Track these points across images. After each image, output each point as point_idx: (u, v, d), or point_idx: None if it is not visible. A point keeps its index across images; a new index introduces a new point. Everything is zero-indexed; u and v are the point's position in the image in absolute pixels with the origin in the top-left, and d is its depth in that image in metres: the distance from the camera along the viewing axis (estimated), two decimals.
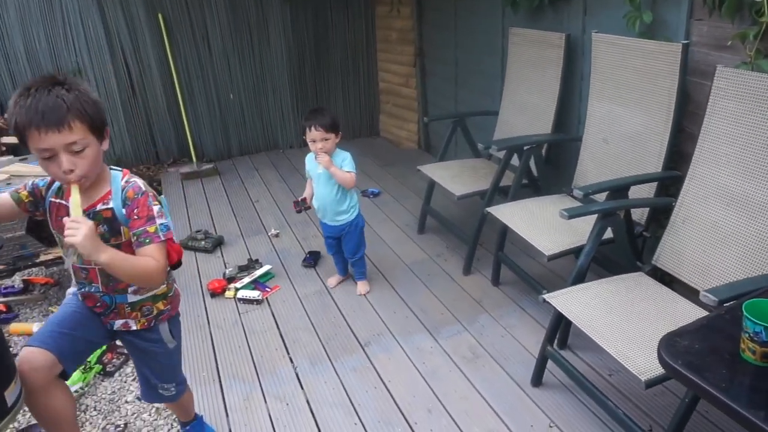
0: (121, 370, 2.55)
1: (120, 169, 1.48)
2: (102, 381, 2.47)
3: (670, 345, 1.20)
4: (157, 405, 2.33)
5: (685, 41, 2.09)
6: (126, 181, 1.45)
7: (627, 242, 2.15)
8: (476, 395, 2.11)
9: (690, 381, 1.13)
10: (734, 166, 1.85)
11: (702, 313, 1.74)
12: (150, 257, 1.38)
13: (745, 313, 1.12)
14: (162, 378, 1.72)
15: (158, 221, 1.41)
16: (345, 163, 2.54)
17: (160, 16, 4.23)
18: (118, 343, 2.64)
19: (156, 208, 1.42)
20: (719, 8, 1.98)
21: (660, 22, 2.27)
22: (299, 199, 2.72)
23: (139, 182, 1.45)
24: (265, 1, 4.52)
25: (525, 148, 2.66)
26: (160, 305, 1.61)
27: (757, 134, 1.78)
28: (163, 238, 1.40)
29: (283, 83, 4.81)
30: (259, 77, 4.74)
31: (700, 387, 1.10)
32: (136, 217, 1.40)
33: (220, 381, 2.28)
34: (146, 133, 4.67)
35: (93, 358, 2.47)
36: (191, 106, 4.61)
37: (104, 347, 2.54)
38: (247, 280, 2.92)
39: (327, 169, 2.51)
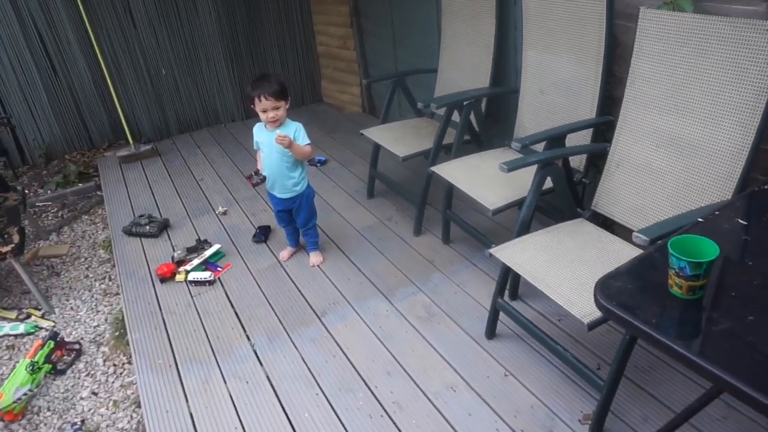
0: (73, 366, 2.48)
1: None
2: (54, 380, 2.40)
3: (605, 287, 1.24)
4: (114, 397, 2.28)
5: None
6: None
7: (567, 190, 2.19)
8: (433, 353, 2.16)
9: (623, 320, 1.17)
10: (661, 106, 1.90)
11: (638, 253, 1.80)
12: None
13: (670, 249, 1.15)
14: None
15: None
16: (299, 135, 2.47)
17: None
18: (67, 339, 2.59)
19: None
20: None
21: None
22: (252, 173, 2.64)
23: None
24: None
25: (464, 103, 2.65)
26: None
27: (680, 73, 1.82)
28: None
29: (216, 52, 4.61)
30: (191, 46, 4.52)
31: (633, 325, 1.15)
32: None
33: (177, 367, 2.25)
34: (75, 116, 4.42)
35: (41, 357, 2.38)
36: (120, 83, 4.37)
37: (52, 345, 2.46)
38: (197, 261, 2.85)
39: (288, 149, 2.42)
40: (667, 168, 1.89)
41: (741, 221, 1.40)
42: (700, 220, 1.41)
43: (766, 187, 1.50)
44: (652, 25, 1.89)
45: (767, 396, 0.91)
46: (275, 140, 2.39)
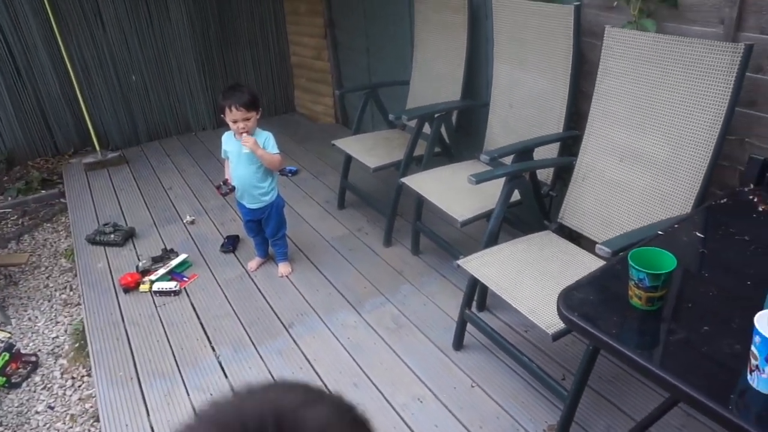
0: (29, 379, 2.39)
1: None
2: (7, 394, 2.31)
3: (568, 298, 1.25)
4: (71, 411, 2.21)
5: (577, 3, 2.15)
6: None
7: (534, 202, 2.22)
8: (401, 364, 2.15)
9: (584, 330, 1.18)
10: (625, 122, 1.94)
11: (602, 264, 1.84)
12: None
13: (630, 261, 1.18)
14: None
15: None
16: (269, 144, 2.45)
17: None
18: (23, 351, 2.50)
19: None
20: None
21: None
22: (221, 182, 2.61)
23: None
24: None
25: (435, 116, 2.67)
26: None
27: (643, 90, 1.88)
28: None
29: (188, 59, 4.55)
30: (162, 53, 4.46)
31: (594, 335, 1.16)
32: None
33: (138, 380, 2.19)
34: (40, 121, 4.31)
35: None
36: (88, 88, 4.28)
37: (6, 357, 2.36)
38: (162, 271, 2.79)
39: (254, 153, 2.40)
40: (631, 182, 1.93)
41: (698, 234, 1.44)
42: (660, 232, 1.44)
43: (722, 201, 1.54)
44: (616, 43, 1.95)
45: (720, 405, 0.93)
46: (234, 135, 2.37)
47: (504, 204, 2.07)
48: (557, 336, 1.61)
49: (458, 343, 2.18)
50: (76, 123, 4.38)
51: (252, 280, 2.75)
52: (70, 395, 2.29)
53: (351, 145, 3.07)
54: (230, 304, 2.58)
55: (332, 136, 3.62)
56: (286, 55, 4.95)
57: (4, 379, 2.32)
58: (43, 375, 2.42)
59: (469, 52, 2.82)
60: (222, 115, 2.41)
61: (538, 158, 2.25)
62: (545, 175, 2.39)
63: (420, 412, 1.93)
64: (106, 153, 4.26)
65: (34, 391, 2.33)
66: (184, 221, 3.33)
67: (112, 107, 4.43)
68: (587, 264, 1.89)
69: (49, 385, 2.36)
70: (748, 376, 0.96)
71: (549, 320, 1.65)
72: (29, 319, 2.78)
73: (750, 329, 0.93)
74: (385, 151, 2.96)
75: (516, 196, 2.14)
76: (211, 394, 2.08)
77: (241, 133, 2.38)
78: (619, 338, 1.13)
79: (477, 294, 2.27)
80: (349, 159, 3.15)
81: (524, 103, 2.48)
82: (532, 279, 1.85)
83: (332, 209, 3.36)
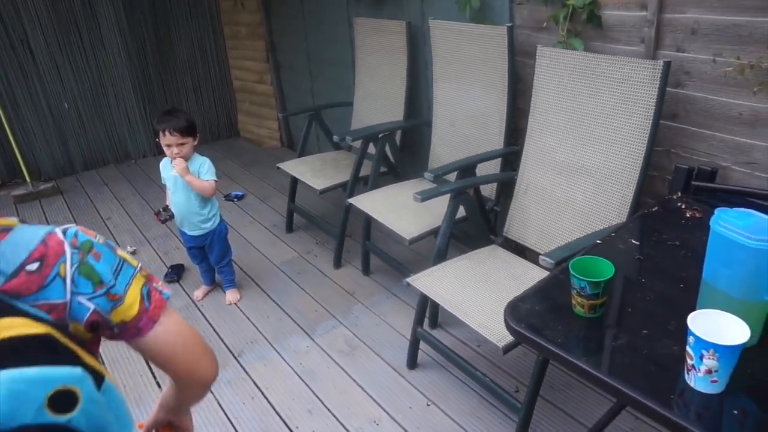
0: None
1: None
2: None
3: (515, 310, 1.27)
4: None
5: (509, 24, 2.23)
6: None
7: (479, 218, 2.26)
8: (355, 387, 2.11)
9: (532, 341, 1.20)
10: (559, 136, 2.02)
11: (546, 275, 1.88)
12: None
13: (571, 271, 1.21)
14: None
15: None
16: (203, 170, 2.39)
17: None
18: None
19: None
20: None
21: (488, 7, 2.40)
22: (161, 209, 2.52)
23: None
24: None
25: (379, 136, 2.69)
26: None
27: (575, 105, 1.96)
28: None
29: (125, 86, 4.42)
30: (97, 81, 4.31)
31: (541, 345, 1.18)
32: None
33: None
34: None
35: None
36: (17, 119, 4.07)
37: None
38: None
39: (182, 177, 2.34)
40: (569, 194, 2.00)
41: (634, 242, 1.50)
42: (598, 242, 1.49)
43: (653, 209, 1.62)
44: (548, 61, 2.03)
45: (662, 405, 0.96)
46: (172, 162, 2.32)
47: (450, 220, 2.10)
48: (507, 348, 1.63)
49: (412, 362, 2.18)
50: (2, 153, 4.15)
51: (199, 309, 2.66)
52: None
53: (296, 167, 3.04)
54: None
55: (278, 159, 3.58)
56: (228, 79, 4.89)
57: None
58: None
59: (409, 74, 2.87)
60: (157, 140, 2.35)
61: (481, 174, 2.30)
62: (489, 190, 2.44)
63: None
64: (38, 184, 4.06)
65: None
66: (125, 252, 3.19)
67: (43, 137, 4.23)
68: (533, 276, 1.94)
69: None
70: (686, 376, 0.99)
71: (499, 333, 1.67)
72: None
73: (685, 330, 0.97)
74: (331, 172, 2.96)
75: (462, 212, 2.17)
76: None
77: (175, 157, 2.33)
78: (565, 347, 1.15)
79: (429, 311, 2.28)
80: (295, 182, 3.13)
81: (465, 121, 2.54)
82: (481, 293, 1.87)
83: (280, 233, 3.31)
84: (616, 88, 1.83)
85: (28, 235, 0.66)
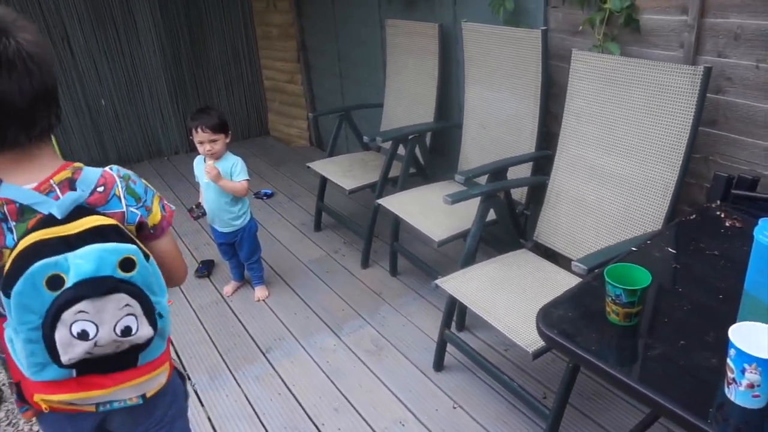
0: None
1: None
2: None
3: (547, 316, 1.26)
4: None
5: (544, 27, 2.21)
6: None
7: (509, 221, 2.25)
8: (381, 387, 2.12)
9: (564, 347, 1.19)
10: (593, 142, 2.00)
11: (578, 281, 1.86)
12: None
13: (606, 278, 1.20)
14: None
15: None
16: (235, 171, 2.44)
17: None
18: None
19: None
20: None
21: (522, 10, 2.39)
22: (194, 206, 2.58)
23: None
24: None
25: (409, 137, 2.70)
26: None
27: (610, 111, 1.93)
28: None
29: (159, 83, 4.52)
30: (132, 77, 4.42)
31: (573, 352, 1.17)
32: None
33: None
34: None
35: None
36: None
37: None
38: None
39: (215, 183, 2.39)
40: (602, 200, 1.98)
41: (670, 250, 1.48)
42: (633, 249, 1.47)
43: (691, 217, 1.59)
44: (583, 65, 2.01)
45: (700, 418, 0.95)
46: (204, 169, 2.36)
47: (480, 223, 2.09)
48: (537, 354, 1.62)
49: (439, 364, 2.18)
50: None
51: (228, 304, 2.70)
52: (37, 430, 2.19)
53: (326, 167, 3.07)
54: (205, 330, 2.53)
55: (307, 158, 3.62)
56: (258, 79, 4.96)
57: None
58: (8, 410, 2.31)
59: (440, 76, 2.87)
60: (190, 137, 2.41)
61: (511, 177, 2.28)
62: (519, 194, 2.43)
63: None
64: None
65: None
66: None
67: (80, 132, 4.36)
68: (563, 281, 1.92)
69: (14, 421, 2.26)
70: (726, 390, 0.97)
71: (528, 338, 1.66)
72: None
73: (725, 342, 0.95)
74: (360, 172, 2.98)
75: (491, 215, 2.16)
76: None
77: (207, 154, 2.37)
78: (598, 354, 1.14)
79: (456, 314, 2.28)
80: (324, 181, 3.15)
81: (496, 124, 2.53)
82: (510, 297, 1.86)
83: (308, 231, 3.34)
84: (653, 94, 1.81)
85: (93, 172, 1.03)
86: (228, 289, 2.79)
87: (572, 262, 1.59)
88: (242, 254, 2.66)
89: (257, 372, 2.25)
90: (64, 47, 4.10)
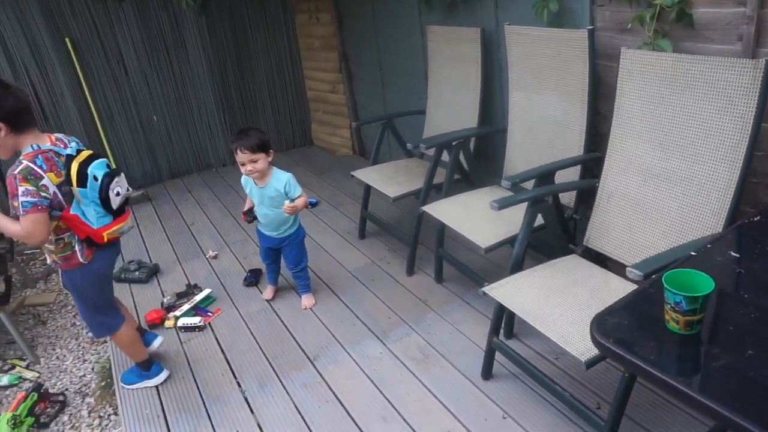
0: (57, 419, 2.39)
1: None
2: None
3: (601, 324, 1.22)
4: None
5: (590, 27, 2.16)
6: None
7: (558, 226, 2.20)
8: (429, 396, 2.10)
9: (621, 357, 1.14)
10: (646, 142, 1.93)
11: (633, 288, 1.79)
12: (18, 224, 1.77)
13: (665, 284, 1.14)
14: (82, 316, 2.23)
15: (21, 199, 1.72)
16: (290, 189, 2.49)
17: (67, 40, 4.02)
18: (51, 391, 2.51)
19: (21, 188, 1.72)
20: None
21: (566, 10, 2.34)
22: (246, 210, 2.65)
23: (19, 166, 1.73)
24: (178, 16, 4.37)
25: (453, 143, 2.68)
26: (54, 258, 1.96)
27: (663, 110, 1.86)
28: (22, 212, 1.73)
29: (207, 98, 4.67)
30: (182, 94, 4.59)
31: (631, 362, 1.12)
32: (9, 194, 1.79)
33: (165, 417, 2.17)
34: None
35: (23, 410, 2.30)
36: (112, 130, 4.40)
37: (35, 397, 2.38)
38: (186, 306, 2.80)
39: (294, 214, 2.52)
40: (657, 202, 1.90)
41: (733, 254, 1.40)
42: (692, 253, 1.41)
43: (755, 219, 1.50)
44: (633, 64, 1.94)
45: None
46: (284, 212, 2.46)
47: (528, 229, 2.05)
48: (591, 363, 1.57)
49: (487, 373, 2.14)
50: None
51: (275, 312, 2.75)
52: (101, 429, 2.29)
53: (370, 175, 3.08)
54: (254, 338, 2.57)
55: (350, 167, 3.64)
56: (302, 89, 5.05)
57: (33, 419, 2.32)
58: (71, 414, 2.42)
59: (483, 80, 2.84)
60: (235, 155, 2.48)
61: (559, 182, 2.23)
62: (568, 198, 2.36)
63: None
64: (130, 192, 4.34)
65: (63, 431, 2.33)
66: (207, 256, 3.36)
67: (134, 147, 4.54)
68: (617, 288, 1.86)
69: (77, 424, 2.36)
70: None
71: (581, 347, 1.61)
72: (57, 357, 2.80)
73: None
74: (404, 180, 2.97)
75: (539, 220, 2.12)
76: (238, 431, 2.05)
77: (250, 174, 2.43)
78: (658, 365, 1.09)
79: (504, 321, 2.23)
80: (368, 189, 3.17)
81: (542, 127, 2.48)
82: (561, 305, 1.81)
83: (353, 239, 3.36)
84: (710, 90, 1.73)
85: (59, 137, 1.91)
86: (268, 293, 2.84)
87: (627, 268, 1.53)
88: (288, 260, 2.70)
89: (305, 379, 2.27)
90: (120, 67, 4.29)
